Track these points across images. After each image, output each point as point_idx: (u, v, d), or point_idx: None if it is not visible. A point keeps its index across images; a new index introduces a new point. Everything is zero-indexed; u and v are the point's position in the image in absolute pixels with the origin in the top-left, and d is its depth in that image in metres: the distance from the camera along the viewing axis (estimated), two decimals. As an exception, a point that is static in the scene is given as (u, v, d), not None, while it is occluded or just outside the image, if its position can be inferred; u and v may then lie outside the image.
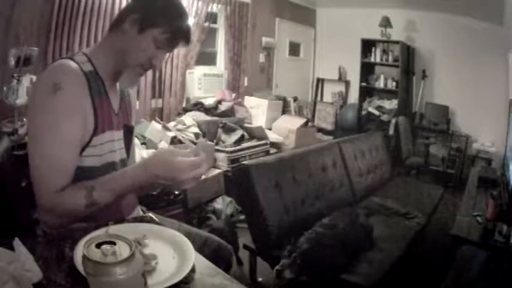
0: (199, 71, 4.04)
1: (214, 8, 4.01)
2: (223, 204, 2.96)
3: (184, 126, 3.34)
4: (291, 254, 1.66)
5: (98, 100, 1.01)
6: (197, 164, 0.90)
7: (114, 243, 0.59)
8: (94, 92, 0.99)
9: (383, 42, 5.07)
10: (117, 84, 1.11)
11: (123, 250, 0.58)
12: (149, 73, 3.41)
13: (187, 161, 0.89)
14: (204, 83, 4.06)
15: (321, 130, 5.30)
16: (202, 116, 3.58)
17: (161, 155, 0.92)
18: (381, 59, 5.11)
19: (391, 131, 4.56)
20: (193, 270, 0.78)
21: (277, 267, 1.63)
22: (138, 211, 1.25)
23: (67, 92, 0.92)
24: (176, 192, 2.62)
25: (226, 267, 1.26)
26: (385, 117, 5.10)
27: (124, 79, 1.07)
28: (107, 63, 1.04)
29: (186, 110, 3.75)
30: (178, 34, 1.03)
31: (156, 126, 3.23)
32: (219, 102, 3.86)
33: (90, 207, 0.92)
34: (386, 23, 4.92)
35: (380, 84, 5.20)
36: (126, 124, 1.16)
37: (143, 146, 3.03)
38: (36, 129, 0.95)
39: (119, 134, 1.12)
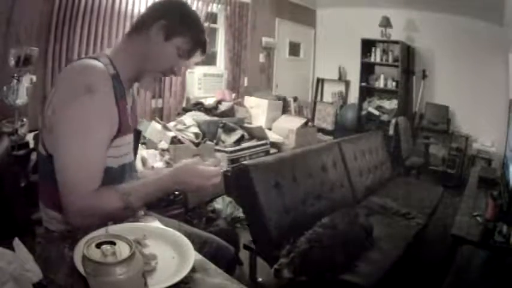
0: (199, 71, 4.04)
1: (214, 8, 4.01)
2: (223, 204, 2.96)
3: (184, 126, 3.34)
4: (289, 254, 1.65)
5: (120, 103, 1.02)
6: (217, 174, 1.04)
7: (114, 243, 0.59)
8: (117, 95, 1.01)
9: (383, 42, 5.07)
10: (130, 89, 1.14)
11: (123, 250, 0.58)
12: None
13: (212, 170, 1.03)
14: (204, 83, 4.06)
15: (321, 130, 5.29)
16: (202, 116, 3.57)
17: (190, 164, 1.03)
18: (381, 59, 5.11)
19: (391, 131, 4.55)
20: (193, 270, 0.78)
21: (275, 266, 1.63)
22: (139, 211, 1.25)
23: (99, 94, 0.94)
24: (176, 192, 2.62)
25: (228, 268, 1.25)
26: (385, 117, 5.10)
27: (144, 82, 1.10)
28: (127, 67, 1.05)
29: (186, 110, 3.75)
30: (199, 45, 1.08)
31: (156, 126, 3.23)
32: (219, 102, 3.85)
33: (127, 209, 0.96)
34: (386, 23, 4.92)
35: (380, 84, 5.20)
36: (135, 128, 1.20)
37: (143, 146, 3.03)
38: (68, 131, 0.94)
39: (131, 137, 1.15)
